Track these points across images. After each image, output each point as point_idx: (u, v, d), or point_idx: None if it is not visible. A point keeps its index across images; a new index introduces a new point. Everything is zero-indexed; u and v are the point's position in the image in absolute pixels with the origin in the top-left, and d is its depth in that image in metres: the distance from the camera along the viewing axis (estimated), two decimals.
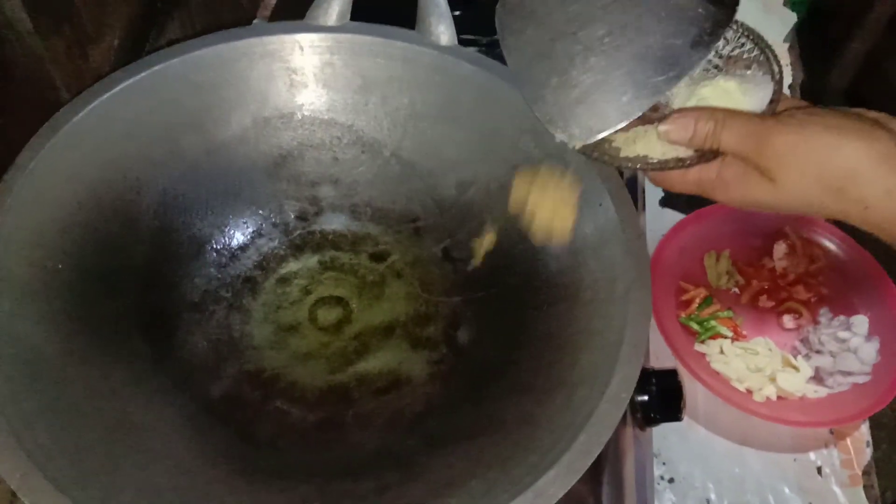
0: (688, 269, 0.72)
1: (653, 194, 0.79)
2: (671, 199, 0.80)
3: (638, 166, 0.41)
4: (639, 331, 0.40)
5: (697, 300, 0.68)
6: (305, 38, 0.51)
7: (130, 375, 0.43)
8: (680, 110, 0.40)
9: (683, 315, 0.68)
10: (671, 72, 0.37)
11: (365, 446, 0.44)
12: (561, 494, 0.34)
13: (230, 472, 0.40)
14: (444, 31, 0.52)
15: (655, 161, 0.40)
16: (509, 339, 0.46)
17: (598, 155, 0.41)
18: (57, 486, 0.32)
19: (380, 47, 0.52)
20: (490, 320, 0.49)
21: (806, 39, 0.98)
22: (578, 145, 0.39)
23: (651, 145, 0.40)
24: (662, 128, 0.39)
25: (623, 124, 0.38)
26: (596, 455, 0.35)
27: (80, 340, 0.41)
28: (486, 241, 0.50)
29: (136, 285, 0.47)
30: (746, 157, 0.37)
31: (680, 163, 0.39)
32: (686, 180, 0.41)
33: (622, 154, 0.41)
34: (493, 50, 0.71)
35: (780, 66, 0.41)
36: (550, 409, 0.39)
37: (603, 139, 0.39)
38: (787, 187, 0.36)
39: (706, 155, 0.39)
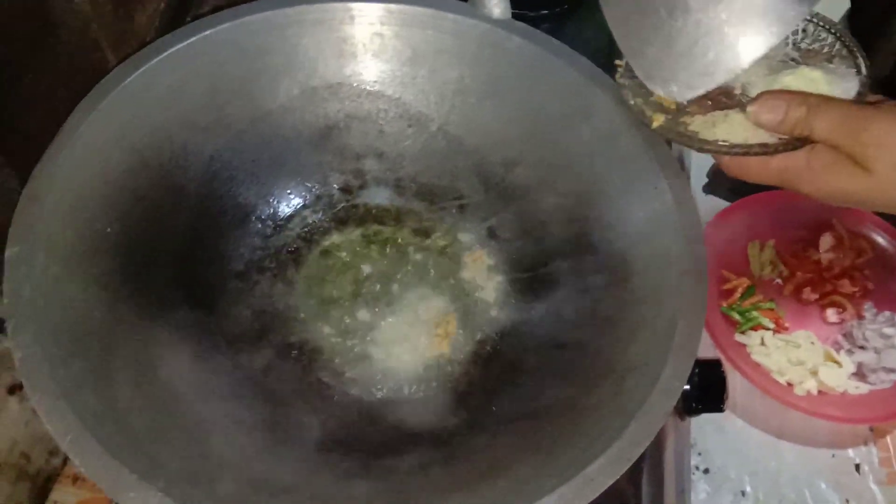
0: (731, 258, 0.70)
1: (696, 181, 0.78)
2: (715, 187, 0.78)
3: (719, 150, 0.39)
4: (693, 321, 0.39)
5: (740, 290, 0.67)
6: (356, 7, 0.50)
7: (175, 342, 0.42)
8: (769, 92, 0.38)
9: (725, 304, 0.66)
10: (774, 27, 0.35)
11: (406, 424, 0.44)
12: (610, 482, 0.33)
13: (274, 442, 0.40)
14: (497, 3, 0.51)
15: (737, 146, 0.38)
16: (555, 322, 0.46)
17: (676, 137, 0.40)
18: (106, 448, 0.32)
19: (430, 19, 0.51)
20: (535, 302, 0.48)
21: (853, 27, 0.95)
22: (683, 99, 0.38)
23: (732, 129, 0.39)
24: (752, 108, 0.37)
25: (727, 78, 0.36)
26: (647, 445, 0.34)
27: (126, 306, 0.41)
28: None
29: (182, 253, 0.46)
30: (840, 145, 0.35)
31: (764, 149, 0.37)
32: (768, 168, 0.38)
33: (701, 136, 0.39)
34: (540, 24, 0.70)
35: (866, 61, 0.39)
36: (598, 397, 0.38)
37: (681, 121, 0.38)
38: (884, 178, 0.34)
39: (793, 142, 0.37)
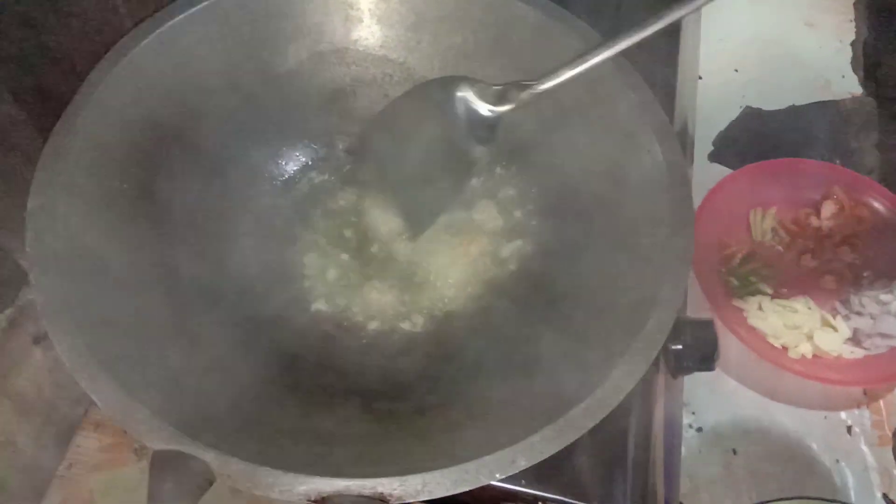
0: (732, 224, 0.71)
1: (702, 148, 0.79)
2: (720, 155, 0.79)
3: None
4: (677, 276, 0.40)
5: (739, 255, 0.68)
6: None
7: (188, 292, 0.45)
8: None
9: (723, 269, 0.68)
10: None
11: (407, 371, 0.46)
12: (590, 426, 0.35)
13: (281, 387, 0.43)
14: None
15: None
16: (552, 280, 0.47)
17: None
18: (122, 386, 0.35)
19: None
20: (534, 261, 0.50)
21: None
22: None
23: None
24: None
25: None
26: (627, 391, 0.36)
27: (143, 256, 0.44)
28: None
29: (194, 209, 0.49)
30: None
31: None
32: None
33: None
34: None
35: None
36: (586, 348, 0.40)
37: None
38: None
39: None
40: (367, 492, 0.33)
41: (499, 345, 0.45)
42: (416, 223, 0.50)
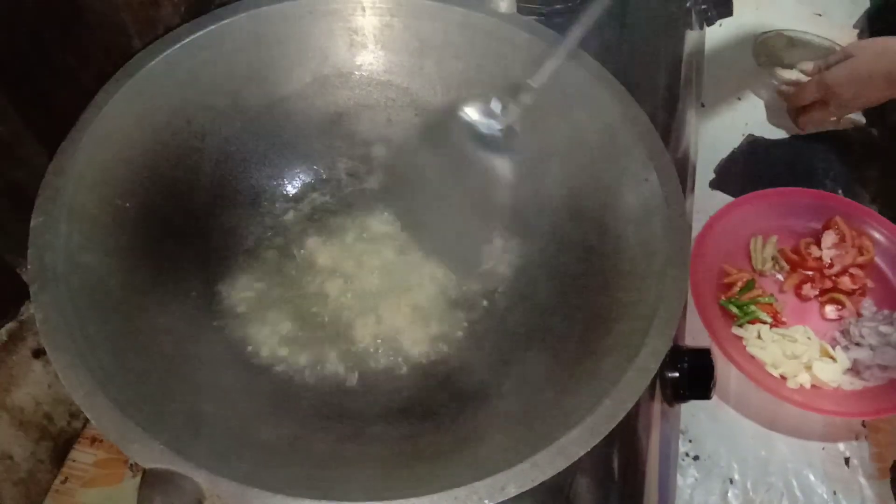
0: (733, 251, 0.72)
1: (703, 176, 0.79)
2: (722, 182, 0.80)
3: None
4: (672, 306, 0.40)
5: (739, 284, 0.68)
6: (367, 0, 0.53)
7: (185, 311, 0.45)
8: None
9: (724, 297, 0.68)
10: None
11: (399, 395, 0.46)
12: (581, 453, 0.35)
13: (272, 407, 0.43)
14: None
15: None
16: (546, 306, 0.48)
17: None
18: (115, 404, 0.35)
19: (439, 11, 0.53)
20: (528, 287, 0.51)
21: (882, 26, 0.95)
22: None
23: None
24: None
25: None
26: (619, 419, 0.36)
27: (142, 275, 0.44)
28: None
29: (195, 229, 0.49)
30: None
31: None
32: None
33: None
34: (551, 19, 0.72)
35: None
36: (578, 375, 0.40)
37: None
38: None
39: None
40: None
41: (491, 372, 0.45)
42: (464, 266, 0.51)
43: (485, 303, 0.51)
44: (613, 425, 0.36)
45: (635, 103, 0.48)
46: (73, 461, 0.60)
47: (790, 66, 0.87)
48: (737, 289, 0.68)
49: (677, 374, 0.53)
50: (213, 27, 0.50)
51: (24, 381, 0.56)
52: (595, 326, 0.43)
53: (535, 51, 0.51)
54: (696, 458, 0.62)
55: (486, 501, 0.34)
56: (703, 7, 0.65)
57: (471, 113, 0.47)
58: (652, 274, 0.43)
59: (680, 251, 0.42)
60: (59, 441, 0.61)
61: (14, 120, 0.52)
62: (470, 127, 0.47)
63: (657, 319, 0.40)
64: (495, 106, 0.47)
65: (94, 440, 0.61)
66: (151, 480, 0.33)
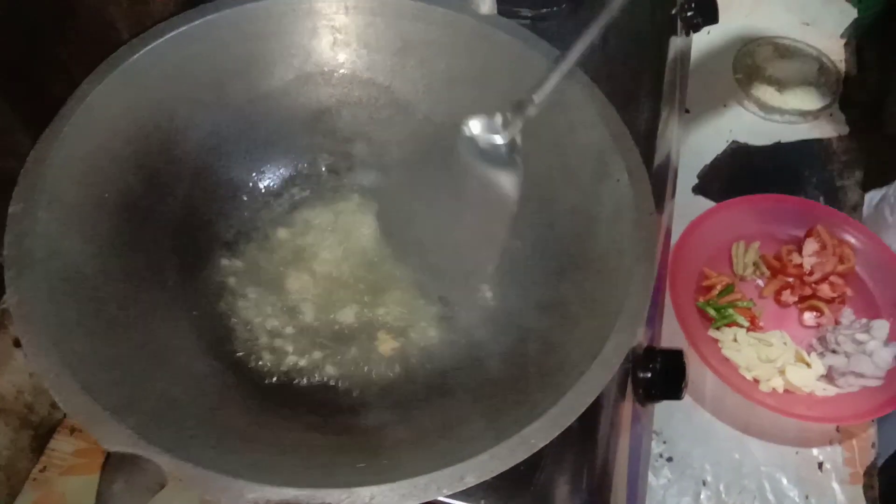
0: (713, 255, 0.72)
1: (686, 181, 0.80)
2: (705, 187, 0.80)
3: None
4: (638, 302, 0.41)
5: (719, 287, 0.69)
6: None
7: (161, 301, 0.46)
8: None
9: (702, 300, 0.68)
10: None
11: (369, 388, 0.47)
12: (542, 444, 0.36)
13: (243, 395, 0.44)
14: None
15: None
16: (517, 302, 0.48)
17: None
18: (84, 388, 0.36)
19: (421, 11, 0.54)
20: (501, 284, 0.51)
21: (875, 36, 0.95)
22: None
23: None
24: None
25: None
26: (579, 412, 0.37)
27: (119, 263, 0.45)
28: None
29: (175, 219, 0.50)
30: None
31: None
32: None
33: None
34: (541, 23, 0.73)
35: None
36: (544, 370, 0.41)
37: None
38: None
39: None
40: (315, 502, 0.34)
41: (460, 367, 0.46)
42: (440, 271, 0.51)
43: (457, 298, 0.52)
44: (574, 418, 0.37)
45: (609, 103, 0.48)
46: (53, 450, 0.61)
47: (770, 80, 0.88)
48: (716, 292, 0.69)
49: (649, 374, 0.53)
50: (198, 21, 0.51)
51: (6, 370, 0.57)
52: (563, 323, 0.44)
53: (514, 50, 0.52)
54: (669, 459, 0.62)
55: (445, 490, 0.34)
56: (689, 14, 0.66)
57: (472, 127, 0.47)
58: (620, 271, 0.43)
59: (647, 250, 0.43)
60: (41, 430, 0.62)
61: (4, 111, 0.53)
62: (470, 140, 0.47)
63: (622, 316, 0.40)
64: (497, 120, 0.46)
65: (74, 430, 0.62)
66: (114, 463, 0.34)
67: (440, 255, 0.51)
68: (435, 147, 0.51)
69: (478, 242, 0.49)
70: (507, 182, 0.46)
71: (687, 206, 0.76)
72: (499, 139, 0.46)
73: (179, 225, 0.50)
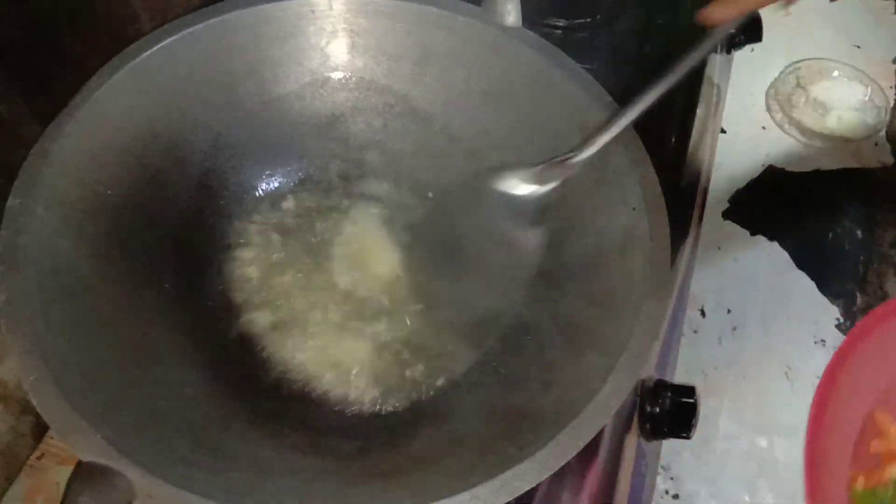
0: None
1: (717, 205, 0.77)
2: (735, 213, 0.77)
3: None
4: (643, 342, 0.39)
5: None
6: (372, 3, 0.52)
7: (156, 305, 0.45)
8: None
9: (862, 482, 0.41)
10: None
11: (362, 410, 0.45)
12: (526, 489, 0.34)
13: (230, 410, 0.42)
14: (510, 10, 0.51)
15: None
16: (518, 330, 0.46)
17: None
18: (63, 393, 0.35)
19: (444, 20, 0.52)
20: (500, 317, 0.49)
21: None
22: None
23: None
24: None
25: None
26: (570, 457, 0.35)
27: (115, 264, 0.44)
28: None
29: (177, 222, 0.49)
30: None
31: None
32: None
33: None
34: (573, 34, 0.70)
35: None
36: (538, 407, 0.39)
37: None
38: None
39: None
40: None
41: (454, 393, 0.44)
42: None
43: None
44: (563, 462, 0.35)
45: (630, 127, 0.46)
46: (52, 438, 0.61)
47: (813, 103, 0.84)
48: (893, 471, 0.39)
49: (658, 410, 0.51)
50: (213, 20, 0.50)
51: (8, 357, 0.57)
52: (563, 358, 0.42)
53: (536, 66, 0.50)
54: (675, 496, 0.60)
55: None
56: (731, 30, 0.63)
57: (507, 177, 0.45)
58: (628, 307, 0.41)
59: (657, 287, 0.41)
60: (41, 417, 0.62)
61: (18, 102, 0.53)
62: (501, 192, 0.45)
63: (625, 356, 0.38)
64: (535, 174, 0.45)
65: None
66: (83, 474, 0.33)
67: (450, 294, 0.50)
68: (463, 175, 0.50)
69: (486, 292, 0.48)
70: (531, 241, 0.45)
71: (713, 231, 0.73)
72: (530, 190, 0.44)
73: (181, 226, 0.49)
